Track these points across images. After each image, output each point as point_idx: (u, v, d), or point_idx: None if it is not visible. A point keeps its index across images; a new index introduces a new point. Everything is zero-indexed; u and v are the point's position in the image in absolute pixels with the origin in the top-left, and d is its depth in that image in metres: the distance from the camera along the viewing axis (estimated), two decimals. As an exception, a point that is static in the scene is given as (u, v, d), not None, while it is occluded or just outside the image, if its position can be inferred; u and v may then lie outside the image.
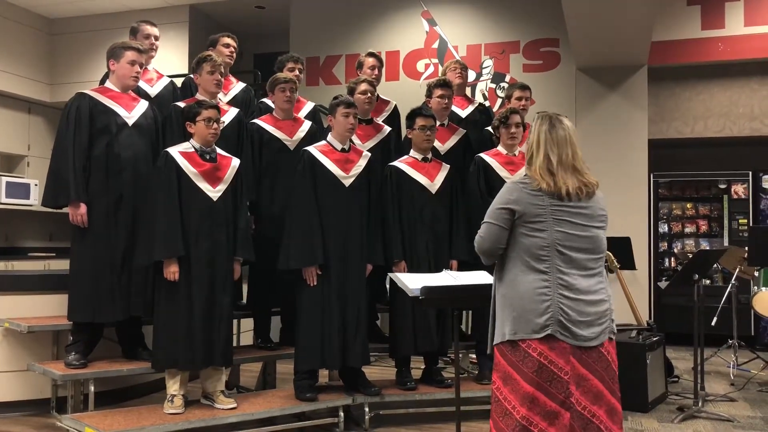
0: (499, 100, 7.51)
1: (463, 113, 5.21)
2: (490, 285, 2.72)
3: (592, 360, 2.46)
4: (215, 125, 3.89)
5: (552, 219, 2.47)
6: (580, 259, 2.48)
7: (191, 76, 4.66)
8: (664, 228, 7.84)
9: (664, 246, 7.81)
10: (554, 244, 2.46)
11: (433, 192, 4.36)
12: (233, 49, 4.94)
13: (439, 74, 6.06)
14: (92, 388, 3.93)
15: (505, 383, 2.49)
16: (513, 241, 2.53)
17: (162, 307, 3.80)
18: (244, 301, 4.77)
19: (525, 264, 2.49)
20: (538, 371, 2.42)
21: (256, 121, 4.57)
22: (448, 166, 4.49)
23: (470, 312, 5.21)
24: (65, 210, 4.09)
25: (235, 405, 3.89)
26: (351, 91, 4.65)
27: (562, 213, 2.48)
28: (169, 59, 7.73)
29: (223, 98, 4.71)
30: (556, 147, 2.54)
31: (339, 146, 4.18)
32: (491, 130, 4.66)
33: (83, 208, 4.00)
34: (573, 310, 2.43)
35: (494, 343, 2.57)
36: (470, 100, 5.50)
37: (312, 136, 4.58)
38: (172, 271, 3.72)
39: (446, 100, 4.78)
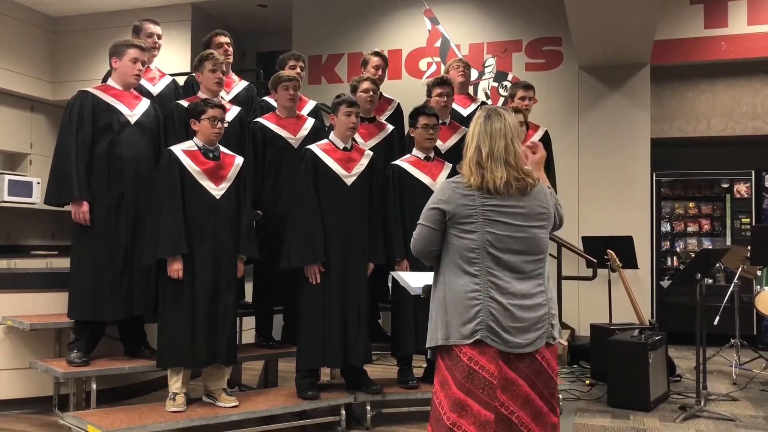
0: (502, 99, 7.51)
1: (465, 112, 5.21)
2: None
3: (522, 364, 2.36)
4: (219, 125, 3.89)
5: (483, 219, 2.35)
6: (515, 261, 2.36)
7: (193, 74, 4.65)
8: (666, 227, 7.83)
9: (666, 245, 7.80)
10: (484, 246, 2.34)
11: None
12: (227, 47, 4.92)
13: (442, 73, 6.06)
14: (94, 386, 3.93)
15: (441, 387, 2.41)
16: (446, 242, 2.43)
17: (166, 305, 3.80)
18: (248, 299, 4.77)
19: (457, 266, 2.39)
20: (468, 377, 2.33)
21: (259, 119, 4.57)
22: (450, 165, 4.48)
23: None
24: (67, 208, 4.09)
25: (236, 403, 3.89)
26: (353, 89, 4.65)
27: (495, 213, 2.36)
28: (172, 58, 7.74)
29: (225, 96, 4.71)
30: (489, 139, 2.41)
31: (341, 145, 4.18)
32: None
33: (85, 206, 4.00)
34: (504, 315, 2.33)
35: (427, 346, 2.48)
36: (473, 99, 5.50)
37: (315, 134, 4.58)
38: (175, 269, 3.72)
39: (445, 98, 4.77)
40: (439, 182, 4.34)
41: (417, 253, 2.52)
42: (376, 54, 5.12)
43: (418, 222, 2.50)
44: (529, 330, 2.36)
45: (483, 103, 5.58)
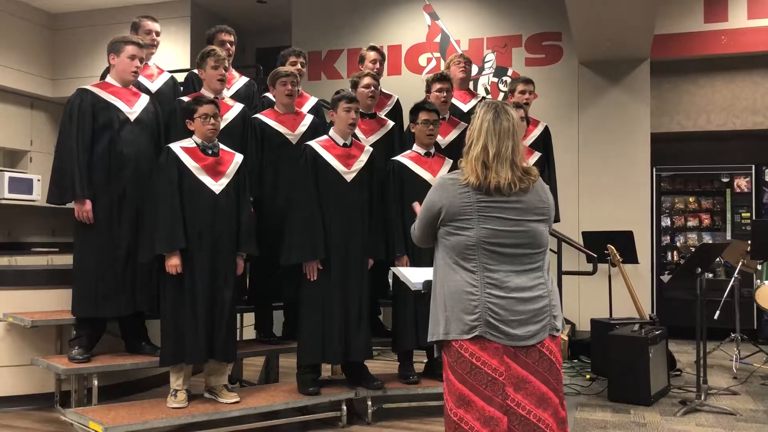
0: (502, 94, 7.50)
1: (466, 107, 5.20)
2: None
3: (532, 361, 2.33)
4: (212, 120, 3.86)
5: (478, 216, 2.34)
6: (513, 254, 2.35)
7: (194, 71, 4.64)
8: (666, 222, 7.83)
9: (666, 240, 7.81)
10: (480, 241, 2.33)
11: (436, 186, 4.35)
12: (230, 45, 4.90)
13: (442, 68, 6.05)
14: (96, 383, 3.94)
15: (446, 383, 2.42)
16: (441, 239, 2.43)
17: (167, 302, 3.81)
18: (245, 296, 4.77)
19: (453, 262, 2.38)
20: (470, 373, 2.32)
21: (257, 115, 4.56)
22: (451, 161, 4.48)
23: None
24: (69, 206, 4.10)
25: (238, 399, 3.90)
26: (354, 85, 4.64)
27: (490, 209, 2.34)
28: (171, 54, 7.74)
29: (226, 93, 4.70)
30: (497, 139, 2.37)
31: (341, 141, 4.18)
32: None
33: (89, 204, 4.01)
34: (503, 308, 2.31)
35: (429, 340, 2.49)
36: (473, 94, 5.49)
37: (314, 130, 4.57)
38: (173, 264, 3.71)
39: (445, 94, 4.77)
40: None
41: (417, 243, 2.64)
42: (373, 48, 5.12)
43: (418, 216, 2.53)
44: (529, 322, 2.34)
45: (484, 98, 5.56)
